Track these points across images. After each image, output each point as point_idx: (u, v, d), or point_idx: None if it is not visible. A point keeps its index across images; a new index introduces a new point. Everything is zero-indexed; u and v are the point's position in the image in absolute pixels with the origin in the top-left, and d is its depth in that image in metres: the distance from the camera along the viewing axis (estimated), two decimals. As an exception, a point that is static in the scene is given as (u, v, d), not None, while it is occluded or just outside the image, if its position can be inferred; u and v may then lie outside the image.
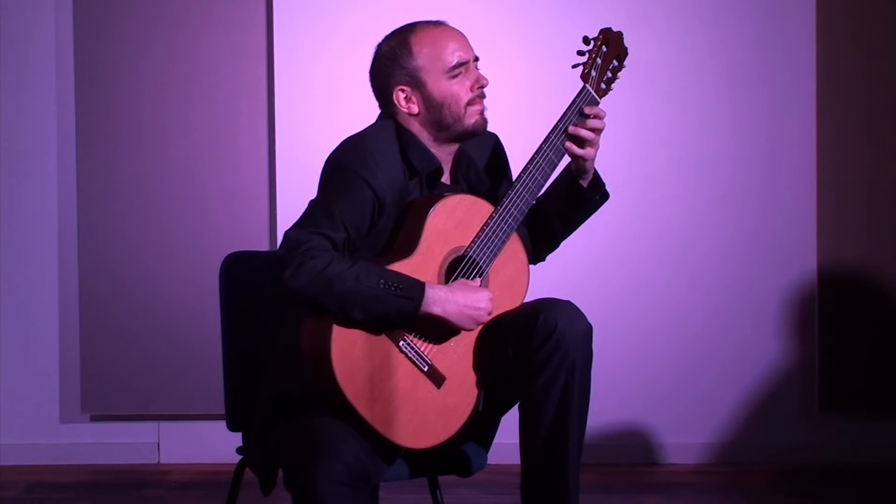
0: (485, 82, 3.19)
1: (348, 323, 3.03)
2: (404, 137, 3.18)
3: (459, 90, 3.17)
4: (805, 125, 5.34)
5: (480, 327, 3.15)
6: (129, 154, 5.37)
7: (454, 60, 3.17)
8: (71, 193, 5.38)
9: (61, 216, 5.39)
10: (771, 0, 5.33)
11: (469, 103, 3.18)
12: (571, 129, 3.21)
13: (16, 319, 5.42)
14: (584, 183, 3.29)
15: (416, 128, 3.19)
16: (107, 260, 5.36)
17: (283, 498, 3.06)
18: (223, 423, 3.40)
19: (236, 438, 3.36)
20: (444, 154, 3.23)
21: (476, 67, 3.21)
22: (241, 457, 3.28)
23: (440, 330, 3.11)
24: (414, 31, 3.19)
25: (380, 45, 3.23)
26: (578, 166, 3.26)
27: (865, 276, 5.37)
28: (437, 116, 3.17)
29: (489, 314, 3.12)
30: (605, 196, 3.33)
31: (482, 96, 3.21)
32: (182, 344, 5.33)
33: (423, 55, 3.17)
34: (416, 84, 3.17)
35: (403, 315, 3.04)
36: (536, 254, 3.38)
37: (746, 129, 5.36)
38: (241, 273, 3.42)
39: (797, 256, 5.36)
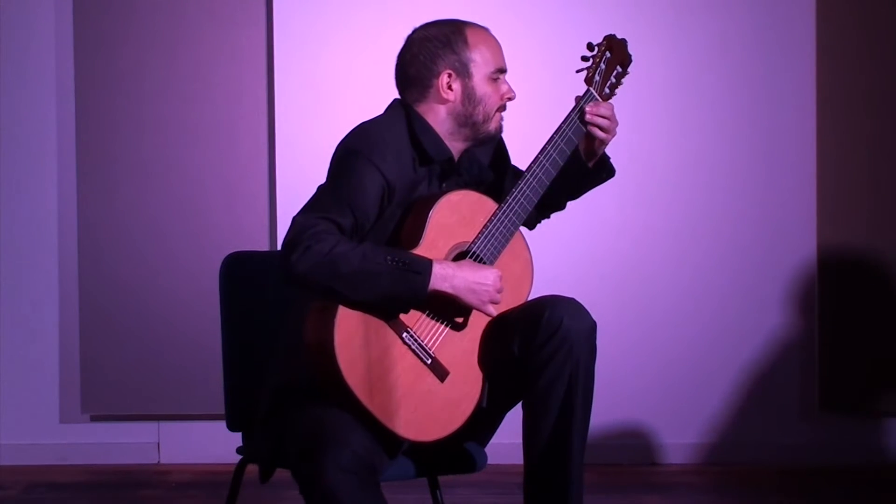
0: (513, 96, 3.27)
1: (357, 305, 3.03)
2: (418, 125, 3.21)
3: (494, 94, 3.24)
4: (804, 128, 5.35)
5: (486, 324, 3.16)
6: (129, 154, 5.37)
7: (500, 65, 3.26)
8: (71, 193, 5.37)
9: (61, 216, 5.38)
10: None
11: (497, 109, 3.25)
12: (588, 116, 3.23)
13: (16, 319, 5.42)
14: (590, 164, 3.32)
15: (439, 115, 3.23)
16: (107, 260, 5.36)
17: (286, 498, 3.06)
18: (223, 423, 3.39)
19: (236, 438, 3.36)
20: (454, 149, 3.26)
21: (505, 80, 3.28)
22: (241, 457, 3.27)
23: (448, 312, 3.12)
24: (467, 26, 3.26)
25: (426, 29, 3.26)
26: (590, 149, 3.30)
27: (866, 277, 5.37)
28: (470, 111, 3.23)
29: (499, 292, 3.12)
30: (611, 172, 3.36)
31: (505, 108, 3.27)
32: (182, 344, 5.33)
33: (477, 51, 3.23)
34: (464, 74, 3.22)
35: (412, 292, 3.04)
36: (541, 215, 3.41)
37: (746, 128, 5.36)
38: (241, 273, 3.42)
39: (797, 257, 5.36)
